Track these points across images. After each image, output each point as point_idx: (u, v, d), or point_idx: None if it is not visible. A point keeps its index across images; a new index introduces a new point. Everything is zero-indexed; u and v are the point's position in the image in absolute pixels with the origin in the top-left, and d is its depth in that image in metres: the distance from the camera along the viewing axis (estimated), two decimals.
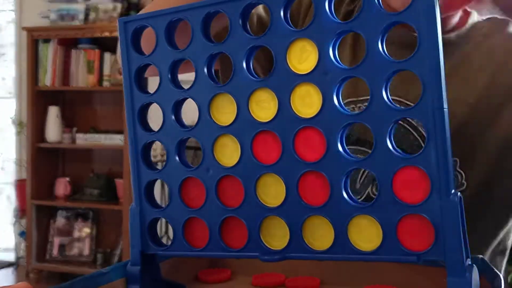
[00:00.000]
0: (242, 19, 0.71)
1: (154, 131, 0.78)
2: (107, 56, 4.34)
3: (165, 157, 0.78)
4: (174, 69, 0.76)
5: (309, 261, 0.86)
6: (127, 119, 0.78)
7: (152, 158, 0.79)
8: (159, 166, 0.79)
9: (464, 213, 0.62)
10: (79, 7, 4.48)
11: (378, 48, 0.64)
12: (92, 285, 0.76)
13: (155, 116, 0.85)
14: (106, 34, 4.21)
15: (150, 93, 0.77)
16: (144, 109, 0.78)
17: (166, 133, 0.77)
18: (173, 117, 0.76)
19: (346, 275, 0.87)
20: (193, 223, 0.77)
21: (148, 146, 0.78)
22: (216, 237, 0.75)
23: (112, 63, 4.32)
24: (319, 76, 0.67)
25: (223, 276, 0.92)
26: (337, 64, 0.66)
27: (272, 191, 0.72)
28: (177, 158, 0.76)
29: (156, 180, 0.79)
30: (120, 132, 4.17)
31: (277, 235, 0.72)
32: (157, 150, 3.61)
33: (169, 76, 0.76)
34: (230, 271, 0.93)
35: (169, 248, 0.79)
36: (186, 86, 0.76)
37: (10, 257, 4.87)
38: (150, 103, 0.78)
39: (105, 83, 4.33)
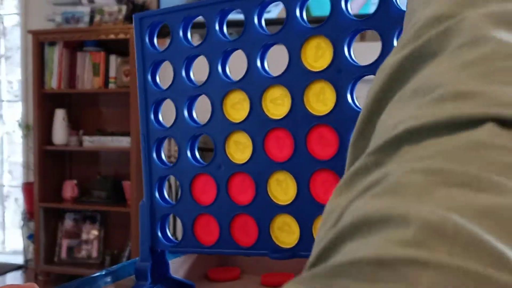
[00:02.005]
0: (258, 16, 0.71)
1: (166, 126, 0.78)
2: (113, 58, 4.33)
3: (172, 157, 0.78)
4: (188, 65, 0.76)
5: None
6: (140, 114, 0.78)
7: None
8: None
9: None
10: (84, 9, 4.47)
11: (394, 46, 0.64)
12: (101, 283, 0.76)
13: (165, 113, 0.85)
14: (112, 36, 4.20)
15: (163, 88, 0.77)
16: (158, 105, 0.78)
17: (178, 129, 0.76)
18: (186, 113, 0.76)
19: None
20: (203, 220, 0.77)
21: (160, 142, 0.78)
22: (226, 234, 0.75)
23: (118, 65, 4.32)
24: (333, 73, 0.67)
25: (232, 274, 0.92)
26: (352, 61, 0.66)
27: (284, 188, 0.72)
28: (189, 154, 0.76)
29: (167, 176, 0.79)
30: (126, 134, 4.16)
31: (287, 233, 0.72)
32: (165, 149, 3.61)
33: (183, 72, 0.76)
34: (239, 270, 0.93)
35: (179, 245, 0.78)
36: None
37: (19, 260, 4.86)
38: (164, 99, 0.78)
39: (111, 85, 4.33)
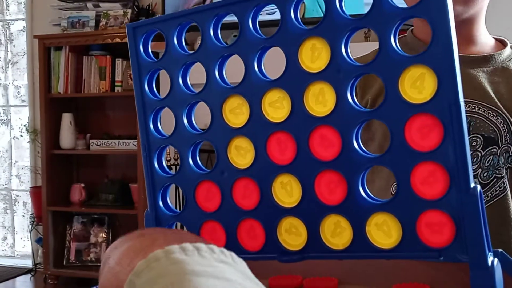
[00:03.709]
0: (252, 19, 0.70)
1: (166, 135, 0.77)
2: (119, 62, 4.34)
3: (179, 161, 0.77)
4: (185, 73, 0.75)
5: (326, 262, 0.85)
6: (139, 124, 0.77)
7: (166, 162, 0.78)
8: (173, 171, 0.78)
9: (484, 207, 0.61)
10: (90, 14, 4.48)
11: (391, 43, 0.63)
12: None
13: (166, 120, 0.84)
14: (117, 40, 4.22)
15: (161, 98, 0.77)
16: (156, 114, 0.77)
17: (179, 137, 0.76)
18: (185, 121, 0.75)
19: (364, 275, 0.86)
20: (210, 227, 0.76)
21: (161, 151, 0.78)
22: (233, 240, 0.75)
23: (124, 69, 4.33)
24: (332, 73, 0.66)
25: None
26: (350, 61, 0.66)
27: (288, 191, 0.71)
28: (191, 162, 0.76)
29: (170, 184, 0.78)
30: (133, 137, 4.18)
31: (295, 235, 0.72)
32: (170, 154, 3.61)
33: (180, 80, 0.75)
34: None
35: None
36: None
37: (28, 263, 4.90)
38: (162, 108, 0.77)
39: (117, 89, 4.34)
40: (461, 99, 0.60)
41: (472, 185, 0.61)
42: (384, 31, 0.63)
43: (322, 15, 0.67)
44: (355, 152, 0.66)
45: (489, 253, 0.61)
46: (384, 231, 0.66)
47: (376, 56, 0.64)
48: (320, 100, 0.67)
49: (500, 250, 0.73)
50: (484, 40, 1.28)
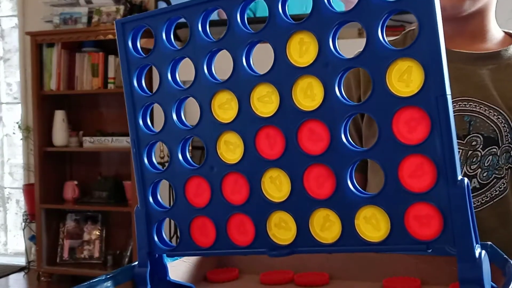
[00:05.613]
0: (240, 14, 0.71)
1: (156, 131, 0.77)
2: (111, 58, 4.33)
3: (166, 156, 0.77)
4: (174, 68, 0.75)
5: (317, 256, 0.86)
6: (128, 120, 0.77)
7: (159, 159, 0.78)
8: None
9: (472, 199, 0.62)
10: (82, 10, 4.47)
11: (379, 37, 0.63)
12: None
13: (158, 116, 0.85)
14: (110, 36, 4.20)
15: (150, 93, 0.77)
16: (145, 110, 0.77)
17: (168, 133, 0.76)
18: (174, 116, 0.75)
19: (355, 269, 0.86)
20: (200, 222, 0.76)
21: (150, 147, 0.78)
22: (223, 235, 0.75)
23: (117, 66, 4.32)
24: (320, 68, 0.66)
25: (231, 275, 0.92)
26: (338, 55, 0.66)
27: (277, 185, 0.71)
28: (180, 157, 0.76)
29: (160, 180, 0.78)
30: (126, 134, 4.16)
31: (284, 230, 0.72)
32: (164, 150, 3.61)
33: (169, 75, 0.75)
34: (238, 270, 0.93)
35: (176, 249, 0.78)
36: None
37: (21, 261, 4.89)
38: (151, 104, 0.77)
39: (110, 86, 4.33)
40: (448, 91, 0.61)
41: (459, 177, 0.61)
42: (371, 25, 0.64)
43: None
44: (343, 146, 0.66)
45: (477, 245, 0.61)
46: (372, 224, 0.66)
47: (363, 50, 0.64)
48: (309, 94, 0.68)
49: (489, 243, 0.73)
50: (493, 35, 1.24)
